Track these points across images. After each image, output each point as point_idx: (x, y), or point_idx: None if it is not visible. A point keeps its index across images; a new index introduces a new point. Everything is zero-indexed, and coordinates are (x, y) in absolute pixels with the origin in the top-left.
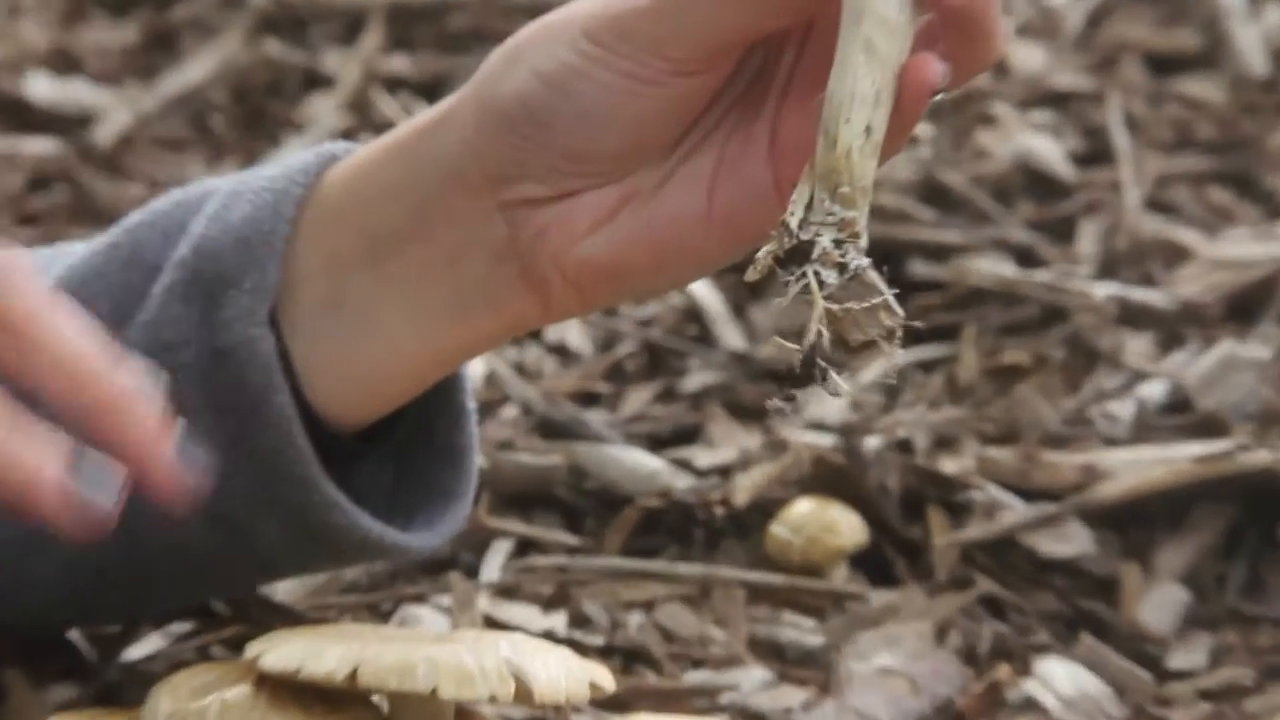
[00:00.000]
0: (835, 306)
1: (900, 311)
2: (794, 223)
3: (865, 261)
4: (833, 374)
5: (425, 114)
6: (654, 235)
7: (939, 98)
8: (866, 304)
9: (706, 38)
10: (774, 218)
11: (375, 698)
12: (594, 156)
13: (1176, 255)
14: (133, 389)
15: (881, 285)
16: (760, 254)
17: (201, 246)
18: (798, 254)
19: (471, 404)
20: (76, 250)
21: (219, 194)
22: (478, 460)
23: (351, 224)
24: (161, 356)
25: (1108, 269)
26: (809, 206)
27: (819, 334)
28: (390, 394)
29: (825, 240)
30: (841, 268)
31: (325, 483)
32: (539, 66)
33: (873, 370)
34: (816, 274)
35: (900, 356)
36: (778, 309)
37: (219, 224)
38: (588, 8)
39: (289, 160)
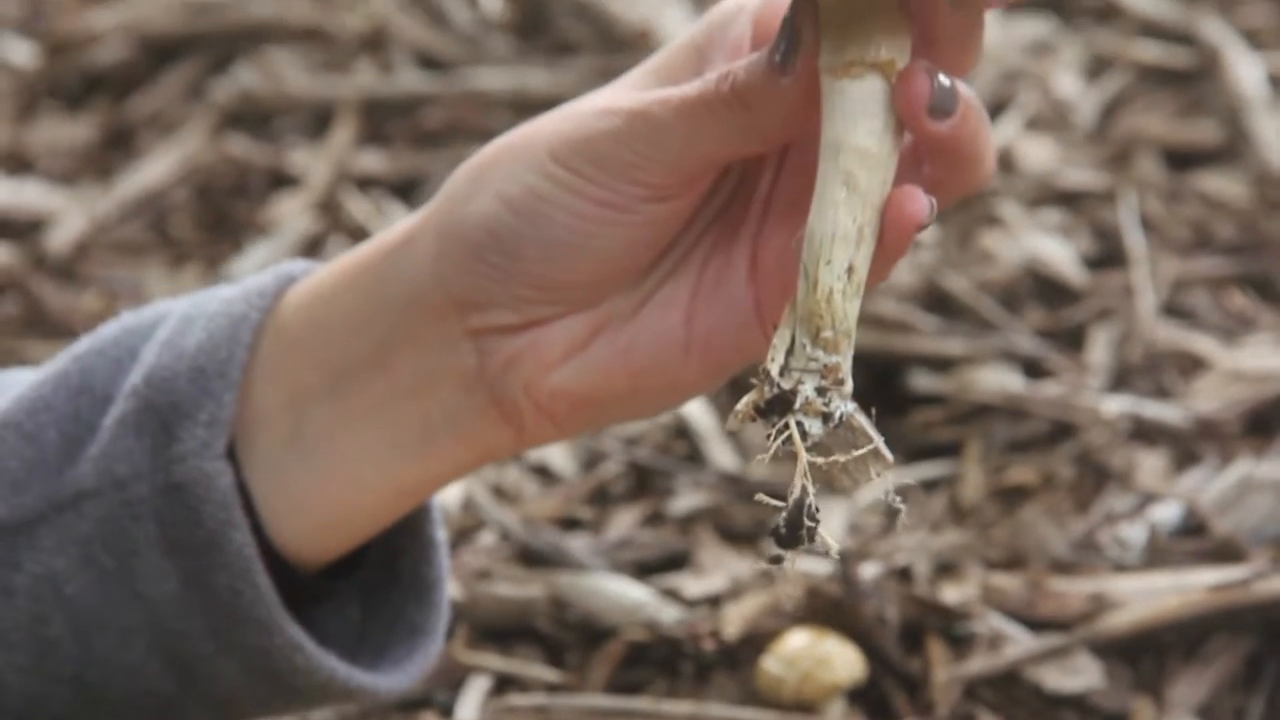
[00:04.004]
0: (820, 460)
1: (890, 457)
2: (775, 370)
3: (850, 408)
4: (821, 533)
5: (388, 233)
6: (630, 363)
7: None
8: (854, 454)
9: (681, 162)
10: (755, 341)
11: None
12: (565, 285)
13: (1193, 365)
14: None
15: (871, 430)
16: (741, 404)
17: (154, 375)
18: (780, 403)
19: (441, 535)
20: (23, 378)
21: (172, 318)
22: (449, 594)
23: (312, 353)
24: (113, 492)
25: (1120, 380)
26: (790, 352)
27: (804, 490)
28: (355, 529)
29: (808, 388)
30: (826, 417)
31: (288, 624)
32: (504, 190)
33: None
34: (800, 424)
35: (894, 487)
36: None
37: (172, 351)
38: (552, 128)
39: (246, 282)
